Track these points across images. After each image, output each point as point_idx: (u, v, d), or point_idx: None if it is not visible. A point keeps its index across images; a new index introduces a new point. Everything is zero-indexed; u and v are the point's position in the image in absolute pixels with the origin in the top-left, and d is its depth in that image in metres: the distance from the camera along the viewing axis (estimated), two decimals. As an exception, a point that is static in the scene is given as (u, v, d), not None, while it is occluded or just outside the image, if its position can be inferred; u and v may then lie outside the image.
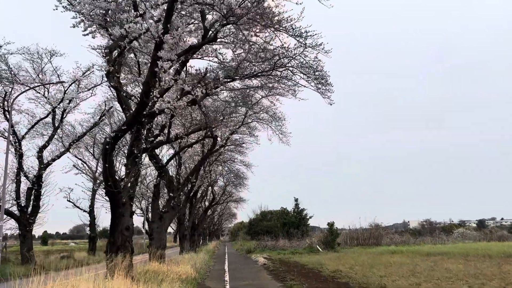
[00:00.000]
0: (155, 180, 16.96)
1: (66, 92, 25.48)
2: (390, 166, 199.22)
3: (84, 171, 36.37)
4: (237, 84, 20.83)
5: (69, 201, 34.25)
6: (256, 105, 25.84)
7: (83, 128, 30.02)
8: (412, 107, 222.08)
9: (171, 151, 23.02)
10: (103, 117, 26.67)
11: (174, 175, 19.31)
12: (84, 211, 36.21)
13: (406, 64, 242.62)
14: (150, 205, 17.60)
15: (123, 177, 11.63)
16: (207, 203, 42.08)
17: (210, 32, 9.60)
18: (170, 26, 8.41)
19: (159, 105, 9.30)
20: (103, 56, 11.64)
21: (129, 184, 10.92)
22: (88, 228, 38.58)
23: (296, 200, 47.53)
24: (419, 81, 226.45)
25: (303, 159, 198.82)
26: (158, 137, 13.07)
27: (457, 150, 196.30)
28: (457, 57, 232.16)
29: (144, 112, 9.48)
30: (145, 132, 11.91)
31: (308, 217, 45.85)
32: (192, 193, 32.17)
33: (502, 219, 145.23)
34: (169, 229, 44.36)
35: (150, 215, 18.93)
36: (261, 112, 26.16)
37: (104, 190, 17.64)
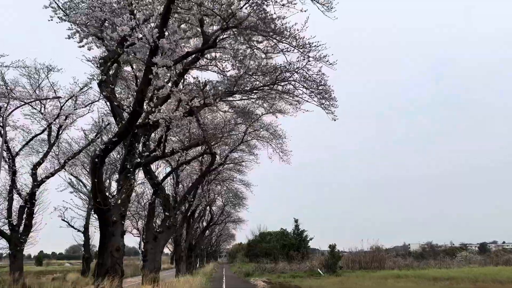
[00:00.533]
0: (150, 198, 16.12)
1: (63, 108, 24.91)
2: (390, 189, 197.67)
3: (79, 189, 35.55)
4: (237, 100, 20.30)
5: (64, 220, 33.23)
6: (256, 122, 25.29)
7: (80, 146, 29.33)
8: (409, 129, 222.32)
9: (168, 169, 22.27)
10: (100, 134, 26.00)
11: (170, 193, 18.49)
12: (79, 230, 35.11)
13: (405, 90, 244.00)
14: (143, 224, 16.69)
15: (114, 194, 10.85)
16: (205, 224, 41.00)
17: (210, 38, 9.04)
18: (166, 30, 7.82)
19: (153, 115, 8.63)
20: (97, 66, 11.08)
21: (119, 201, 10.12)
22: (82, 249, 37.40)
23: (296, 221, 46.43)
24: (418, 105, 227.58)
25: (303, 178, 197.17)
26: (154, 153, 12.37)
27: (457, 173, 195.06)
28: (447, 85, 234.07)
29: (137, 123, 8.80)
30: (139, 146, 11.19)
31: (308, 239, 44.67)
32: (189, 213, 31.22)
33: (504, 242, 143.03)
34: (166, 250, 43.08)
35: (145, 235, 18.09)
36: (261, 129, 25.56)
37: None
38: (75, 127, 28.05)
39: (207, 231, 44.27)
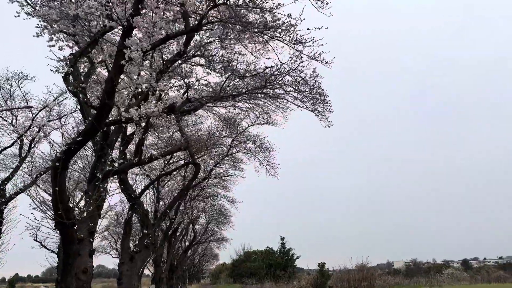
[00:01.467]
0: (126, 214, 14.51)
1: (35, 119, 23.20)
2: (372, 206, 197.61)
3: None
4: (222, 106, 19.02)
5: (36, 240, 30.90)
6: (242, 134, 24.02)
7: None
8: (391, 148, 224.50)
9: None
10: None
11: (149, 209, 16.88)
12: (52, 251, 32.73)
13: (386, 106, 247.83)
14: (120, 244, 15.02)
15: (82, 207, 9.32)
16: (187, 243, 38.99)
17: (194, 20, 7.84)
18: (143, 8, 6.54)
19: (127, 112, 7.27)
20: (66, 63, 9.70)
21: (85, 214, 8.60)
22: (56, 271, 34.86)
23: (282, 239, 44.73)
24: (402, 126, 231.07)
25: (288, 193, 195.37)
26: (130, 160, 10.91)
27: (438, 191, 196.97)
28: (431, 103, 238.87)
29: (108, 120, 7.40)
30: (112, 152, 9.72)
31: (295, 258, 42.97)
32: (170, 231, 29.36)
33: (485, 259, 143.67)
34: (147, 271, 40.70)
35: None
36: (247, 141, 24.28)
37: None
38: (48, 141, 26.22)
39: (189, 251, 42.17)
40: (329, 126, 13.24)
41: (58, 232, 8.50)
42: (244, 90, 13.63)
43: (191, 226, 37.42)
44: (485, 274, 36.41)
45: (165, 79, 10.18)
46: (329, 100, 12.66)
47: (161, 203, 31.66)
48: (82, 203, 11.20)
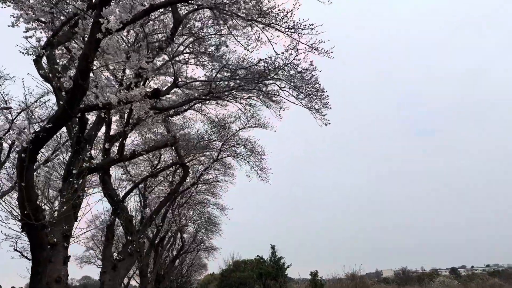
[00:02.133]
0: (108, 220, 13.42)
1: (14, 121, 21.96)
2: (362, 215, 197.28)
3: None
4: (211, 110, 18.13)
5: (16, 250, 29.34)
6: (233, 138, 23.13)
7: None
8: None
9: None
10: (57, 151, 23.02)
11: (134, 214, 15.79)
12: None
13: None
14: (102, 251, 13.89)
15: (56, 207, 8.29)
16: (175, 252, 37.60)
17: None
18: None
19: (102, 95, 6.33)
20: (37, 46, 8.74)
21: (55, 214, 7.57)
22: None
23: (272, 247, 43.47)
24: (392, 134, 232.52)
25: (279, 199, 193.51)
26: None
27: (425, 198, 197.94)
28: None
29: (82, 106, 6.44)
30: (89, 148, 8.70)
31: (286, 266, 41.77)
32: (158, 240, 28.10)
33: (472, 266, 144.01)
34: (133, 282, 39.11)
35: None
36: (238, 145, 23.36)
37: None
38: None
39: (177, 261, 40.73)
40: (326, 125, 12.42)
41: (26, 235, 7.43)
42: (236, 86, 12.75)
43: (179, 234, 36.15)
44: (480, 281, 35.83)
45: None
46: (327, 96, 11.87)
47: (147, 210, 30.47)
48: (57, 203, 10.17)
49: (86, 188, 20.02)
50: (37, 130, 6.28)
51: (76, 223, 8.85)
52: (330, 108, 12.03)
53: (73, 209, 8.43)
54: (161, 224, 23.87)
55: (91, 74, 6.14)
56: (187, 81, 8.31)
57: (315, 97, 12.18)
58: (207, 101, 16.53)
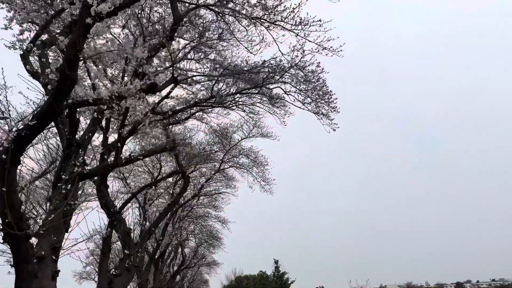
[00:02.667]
0: (104, 232, 12.65)
1: (11, 131, 21.28)
2: (365, 230, 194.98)
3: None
4: (213, 119, 17.51)
5: (12, 265, 28.41)
6: (235, 148, 22.47)
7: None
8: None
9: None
10: (54, 163, 22.31)
11: (132, 226, 14.98)
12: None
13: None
14: (98, 265, 13.09)
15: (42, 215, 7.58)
16: (176, 268, 36.54)
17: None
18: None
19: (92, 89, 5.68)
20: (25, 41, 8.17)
21: (40, 221, 6.85)
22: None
23: (276, 262, 42.30)
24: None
25: (282, 216, 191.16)
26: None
27: (427, 216, 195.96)
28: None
29: (71, 101, 5.80)
30: (82, 152, 8.01)
31: (290, 282, 40.53)
32: (158, 254, 27.18)
33: (478, 281, 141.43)
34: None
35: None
36: (241, 155, 22.68)
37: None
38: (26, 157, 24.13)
39: (178, 276, 39.60)
40: (334, 130, 11.75)
41: (8, 246, 6.71)
42: (239, 90, 12.14)
43: (179, 249, 35.16)
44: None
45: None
46: (335, 99, 11.21)
47: (147, 223, 29.58)
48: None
49: (85, 200, 19.21)
50: (19, 129, 5.62)
51: (66, 234, 8.13)
52: (339, 112, 11.38)
53: (63, 218, 7.71)
54: (161, 238, 23.02)
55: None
56: (187, 75, 7.70)
57: (322, 101, 11.55)
58: (209, 109, 15.96)
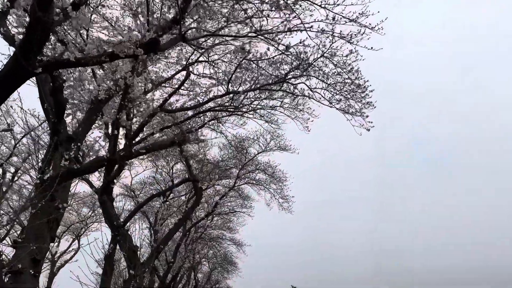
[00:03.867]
0: (107, 249, 11.06)
1: (17, 146, 20.16)
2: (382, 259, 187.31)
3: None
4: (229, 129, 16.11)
5: None
6: (251, 163, 20.93)
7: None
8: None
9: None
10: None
11: (139, 244, 13.32)
12: None
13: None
14: (99, 286, 11.45)
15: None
16: (188, 293, 34.43)
17: None
18: None
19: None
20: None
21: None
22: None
23: (293, 288, 39.77)
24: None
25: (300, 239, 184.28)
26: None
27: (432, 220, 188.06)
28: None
29: (46, 58, 4.39)
30: (74, 146, 6.56)
31: (308, 310, 37.78)
32: (169, 279, 25.32)
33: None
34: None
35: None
36: (257, 171, 21.07)
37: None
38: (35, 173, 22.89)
39: (191, 303, 37.33)
40: (368, 130, 10.12)
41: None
42: (258, 85, 10.67)
43: (192, 273, 33.13)
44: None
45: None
46: (371, 91, 9.63)
47: (158, 234, 27.82)
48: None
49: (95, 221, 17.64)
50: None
51: (53, 244, 6.60)
52: (375, 107, 9.77)
53: (48, 223, 6.20)
54: (172, 260, 21.29)
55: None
56: (198, 35, 6.37)
57: (355, 97, 10.00)
58: (224, 117, 14.60)
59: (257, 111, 13.93)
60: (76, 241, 28.18)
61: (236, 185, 21.37)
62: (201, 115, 13.14)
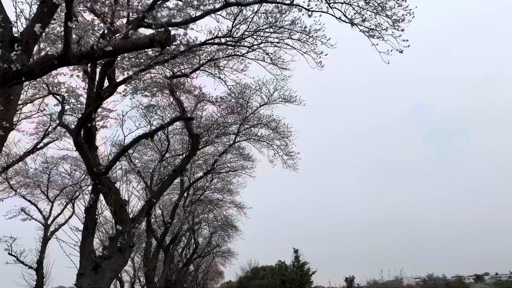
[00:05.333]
0: (87, 200, 9.31)
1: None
2: (379, 221, 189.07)
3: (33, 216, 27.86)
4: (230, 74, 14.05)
5: (11, 254, 25.46)
6: (253, 116, 18.99)
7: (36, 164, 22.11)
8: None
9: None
10: (49, 133, 19.04)
11: (127, 196, 11.47)
12: (30, 267, 27.11)
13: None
14: (80, 244, 9.78)
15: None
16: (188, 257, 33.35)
17: None
18: None
19: None
20: None
21: None
22: (34, 291, 29.09)
23: (296, 251, 38.65)
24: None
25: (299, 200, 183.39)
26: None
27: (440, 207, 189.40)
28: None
29: None
30: (21, 48, 4.62)
31: (311, 273, 36.90)
32: (168, 242, 23.98)
33: (496, 274, 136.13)
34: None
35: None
36: (259, 125, 19.14)
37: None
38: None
39: (191, 265, 36.44)
40: (401, 51, 8.10)
41: None
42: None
43: (192, 240, 31.88)
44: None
45: None
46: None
47: (158, 211, 26.29)
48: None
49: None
50: None
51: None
52: (410, 21, 7.70)
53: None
54: (169, 221, 19.81)
55: None
56: None
57: (384, 12, 7.95)
58: (222, 54, 12.54)
59: (261, 46, 11.91)
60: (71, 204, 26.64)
61: (236, 141, 19.53)
62: (196, 51, 11.12)
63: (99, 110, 11.26)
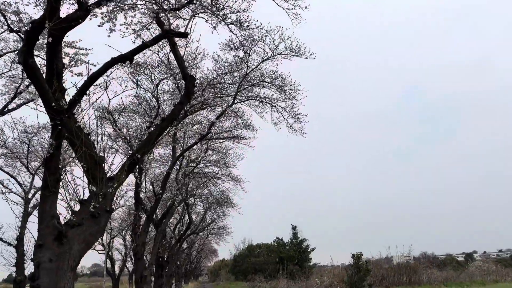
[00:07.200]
0: (47, 146, 6.88)
1: None
2: (369, 200, 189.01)
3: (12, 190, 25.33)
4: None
5: (1, 239, 23.13)
6: (254, 72, 16.52)
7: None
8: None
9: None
10: (21, 92, 16.33)
11: (106, 155, 9.03)
12: (10, 244, 24.82)
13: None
14: (38, 207, 7.33)
15: None
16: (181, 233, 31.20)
17: None
18: None
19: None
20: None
21: None
22: (14, 269, 26.86)
23: (294, 228, 36.75)
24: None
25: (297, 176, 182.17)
26: None
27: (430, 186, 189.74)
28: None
29: None
30: None
31: (309, 250, 35.11)
32: (160, 215, 21.74)
33: (485, 252, 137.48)
34: (131, 266, 32.67)
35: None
36: (262, 82, 16.65)
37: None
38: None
39: (184, 242, 34.34)
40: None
41: None
42: None
43: (186, 216, 29.64)
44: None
45: None
46: None
47: (149, 186, 23.87)
48: None
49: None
50: None
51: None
52: None
53: None
54: (160, 191, 17.49)
55: None
56: None
57: None
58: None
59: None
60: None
61: (236, 102, 17.06)
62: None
63: (70, 50, 8.78)
